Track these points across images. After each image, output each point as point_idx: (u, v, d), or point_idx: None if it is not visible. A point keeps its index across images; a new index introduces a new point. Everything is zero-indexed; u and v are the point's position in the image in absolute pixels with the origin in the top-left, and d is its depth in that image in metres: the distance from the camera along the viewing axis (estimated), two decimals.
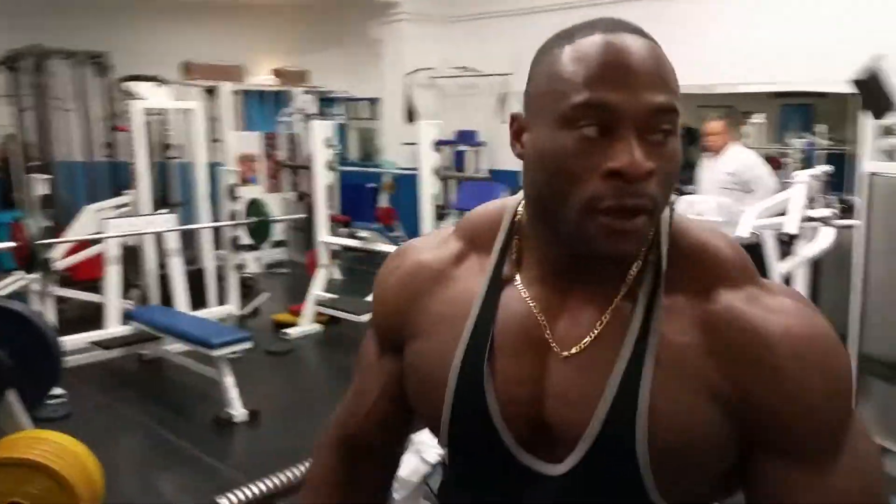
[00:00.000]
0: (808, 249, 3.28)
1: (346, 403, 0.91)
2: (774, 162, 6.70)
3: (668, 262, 0.70)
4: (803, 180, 3.41)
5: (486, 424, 0.71)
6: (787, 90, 7.08)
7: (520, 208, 0.78)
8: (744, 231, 3.15)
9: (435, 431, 0.76)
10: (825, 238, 3.25)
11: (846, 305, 3.24)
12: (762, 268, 3.02)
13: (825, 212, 3.31)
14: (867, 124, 3.36)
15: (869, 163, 3.26)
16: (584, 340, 0.70)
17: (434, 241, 0.83)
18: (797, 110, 7.95)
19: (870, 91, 3.01)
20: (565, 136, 0.65)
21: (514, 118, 0.73)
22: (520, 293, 0.74)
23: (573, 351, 0.70)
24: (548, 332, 0.72)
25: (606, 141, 0.65)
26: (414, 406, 0.81)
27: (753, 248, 3.18)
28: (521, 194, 0.78)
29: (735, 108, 7.46)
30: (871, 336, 3.15)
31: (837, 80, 6.25)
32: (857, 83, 3.09)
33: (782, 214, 3.27)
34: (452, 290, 0.77)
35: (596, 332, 0.70)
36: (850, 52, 5.33)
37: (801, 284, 3.29)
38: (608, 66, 0.64)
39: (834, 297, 3.62)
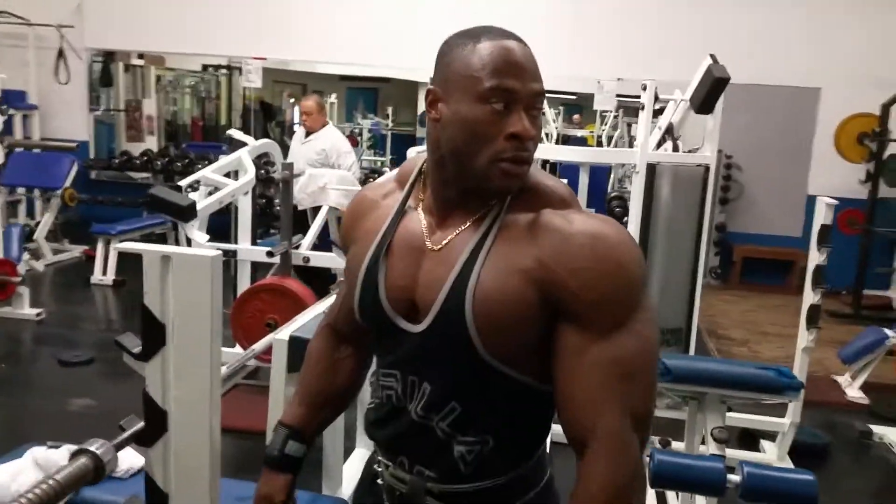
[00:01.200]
0: None
1: (334, 302, 1.24)
2: (352, 140, 7.35)
3: (514, 195, 0.98)
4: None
5: (377, 302, 1.02)
6: (353, 74, 7.76)
7: (427, 160, 1.06)
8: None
9: (359, 313, 1.06)
10: None
11: None
12: None
13: None
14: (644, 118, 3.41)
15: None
16: (444, 241, 0.99)
17: (382, 182, 1.15)
18: (362, 93, 8.78)
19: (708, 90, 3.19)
20: (480, 108, 0.93)
21: (430, 91, 0.98)
22: (417, 216, 1.04)
23: (437, 248, 0.99)
24: (427, 239, 1.01)
25: (507, 114, 0.94)
26: (347, 292, 1.09)
27: None
28: (417, 156, 1.08)
29: (308, 86, 7.91)
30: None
31: (403, 67, 7.24)
32: (720, 82, 3.11)
33: None
34: (377, 213, 1.07)
35: (453, 235, 0.99)
36: (413, 42, 6.27)
37: None
38: (508, 63, 0.94)
39: None
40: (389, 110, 8.35)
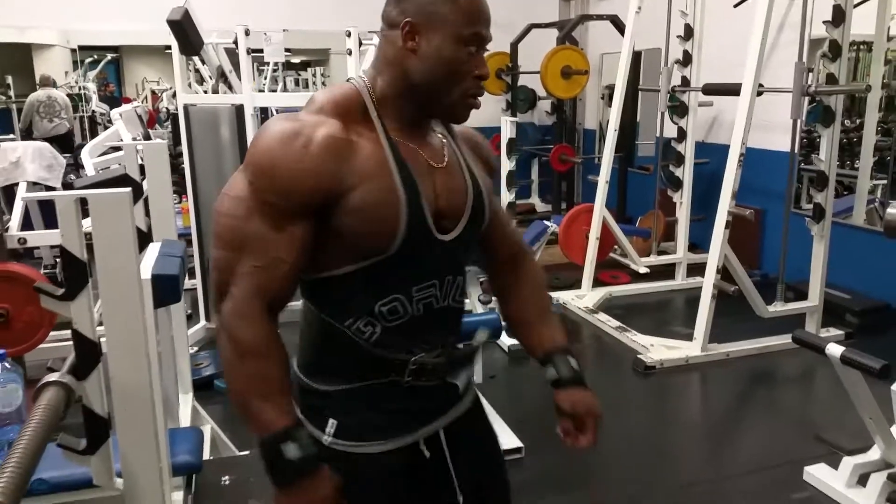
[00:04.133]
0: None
1: (253, 277, 1.02)
2: None
3: None
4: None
5: (423, 221, 1.07)
6: None
7: (370, 91, 1.10)
8: (90, 168, 3.22)
9: (384, 245, 1.05)
10: None
11: None
12: None
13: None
14: (178, 62, 3.78)
15: (183, 95, 3.77)
16: (444, 158, 1.14)
17: (315, 121, 1.04)
18: None
19: (182, 31, 3.45)
20: (459, 49, 1.06)
21: (407, 23, 1.05)
22: (404, 143, 1.10)
23: (442, 165, 1.14)
24: (430, 160, 1.12)
25: (475, 56, 1.09)
26: (361, 235, 1.04)
27: None
28: (354, 83, 1.11)
29: None
30: None
31: None
32: (171, 24, 3.45)
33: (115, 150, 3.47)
34: (364, 152, 1.05)
35: (445, 153, 1.15)
36: None
37: None
38: (482, 12, 1.09)
39: None
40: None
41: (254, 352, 1.01)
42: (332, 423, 1.09)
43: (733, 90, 3.84)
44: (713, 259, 3.54)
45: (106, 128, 6.65)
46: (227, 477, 2.22)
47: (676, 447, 2.98)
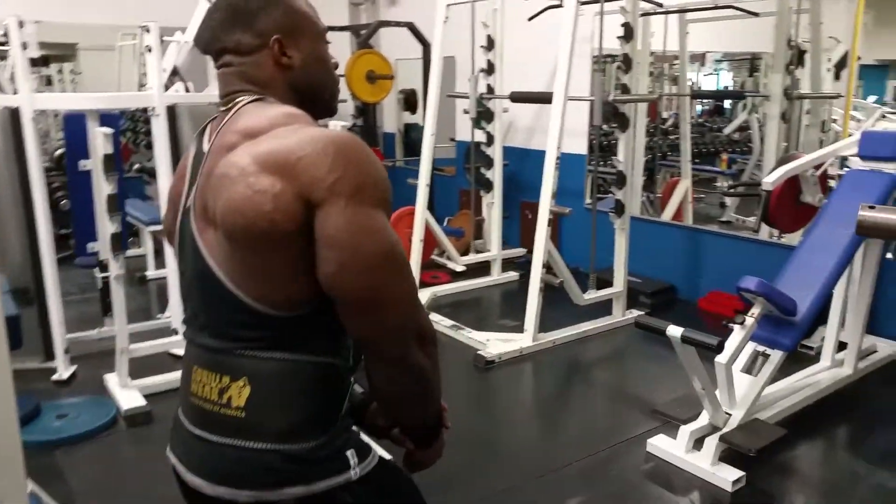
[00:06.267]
0: None
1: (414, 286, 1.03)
2: None
3: None
4: None
5: None
6: None
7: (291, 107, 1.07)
8: None
9: None
10: None
11: None
12: None
13: None
14: None
15: None
16: None
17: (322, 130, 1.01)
18: None
19: None
20: (324, 45, 1.12)
21: (276, 41, 1.05)
22: None
23: None
24: None
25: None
26: None
27: None
28: (273, 112, 1.03)
29: None
30: None
31: None
32: None
33: None
34: None
35: None
36: None
37: None
38: (313, 7, 1.12)
39: None
40: None
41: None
42: (350, 454, 1.03)
43: (540, 98, 4.14)
44: (538, 255, 3.78)
45: None
46: None
47: (526, 437, 3.14)
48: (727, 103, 5.98)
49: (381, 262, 0.94)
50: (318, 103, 1.12)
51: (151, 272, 5.00)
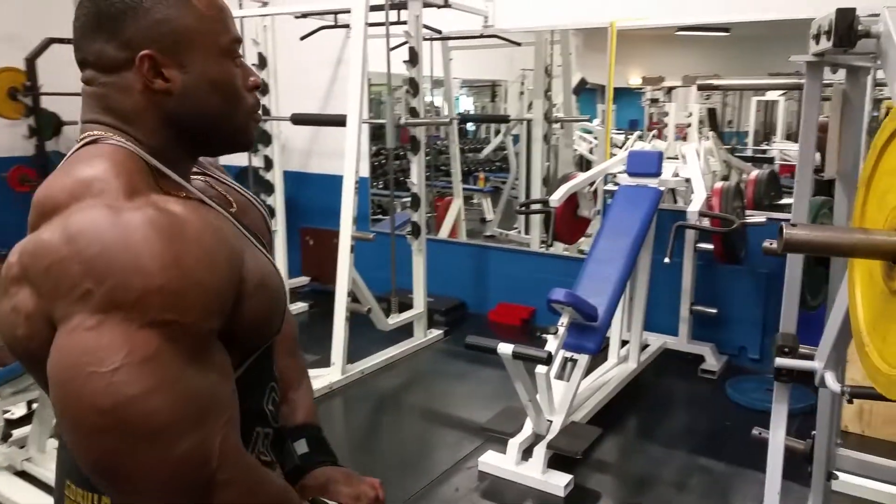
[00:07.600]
0: None
1: (228, 415, 0.77)
2: None
3: None
4: None
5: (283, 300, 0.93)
6: None
7: (144, 156, 0.82)
8: None
9: (278, 322, 0.90)
10: None
11: None
12: None
13: None
14: None
15: None
16: (232, 202, 0.96)
17: (158, 203, 0.75)
18: None
19: None
20: (226, 64, 0.85)
21: (145, 58, 0.79)
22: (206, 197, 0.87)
23: (234, 209, 0.94)
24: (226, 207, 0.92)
25: (242, 66, 0.88)
26: (263, 318, 0.86)
27: None
28: (84, 172, 0.76)
29: None
30: None
31: None
32: None
33: None
34: (233, 228, 0.87)
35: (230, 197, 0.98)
36: None
37: None
38: (225, 10, 0.87)
39: None
40: None
41: (257, 481, 0.81)
42: None
43: (330, 121, 4.01)
44: (342, 284, 3.64)
45: None
46: None
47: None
48: (469, 126, 6.42)
49: (108, 423, 0.67)
50: (213, 140, 0.88)
51: None
